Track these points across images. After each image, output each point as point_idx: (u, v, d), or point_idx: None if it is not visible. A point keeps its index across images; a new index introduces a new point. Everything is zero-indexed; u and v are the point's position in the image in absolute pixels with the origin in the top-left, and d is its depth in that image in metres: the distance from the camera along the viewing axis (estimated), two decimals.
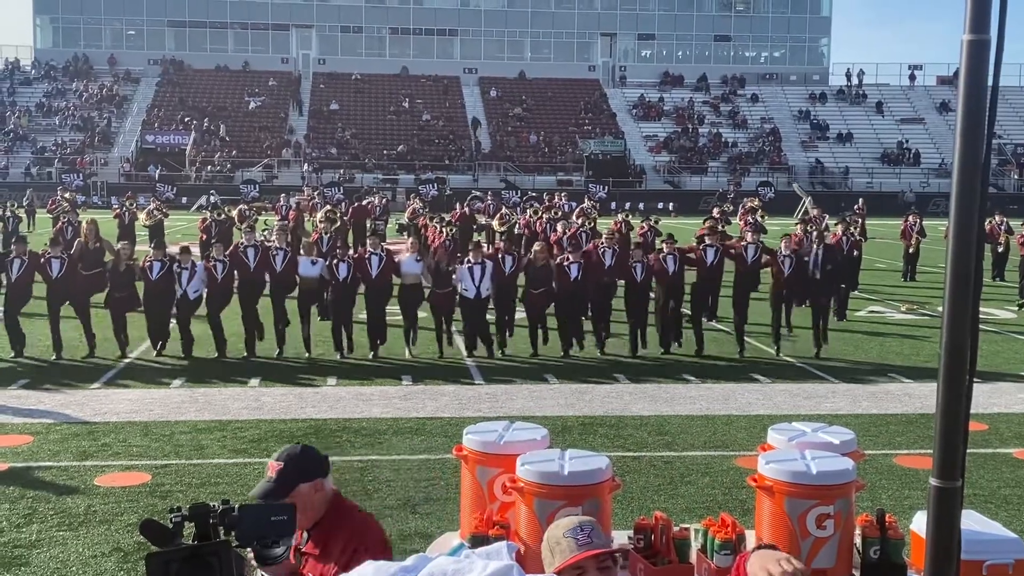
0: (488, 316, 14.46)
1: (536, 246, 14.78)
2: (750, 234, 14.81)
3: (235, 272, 14.03)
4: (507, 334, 14.53)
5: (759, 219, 22.92)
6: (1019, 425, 10.68)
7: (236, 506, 2.51)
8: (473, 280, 13.87)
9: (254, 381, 12.51)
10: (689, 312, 14.89)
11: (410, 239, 15.43)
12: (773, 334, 14.48)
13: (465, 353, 14.24)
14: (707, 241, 14.73)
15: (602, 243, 14.96)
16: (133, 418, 10.60)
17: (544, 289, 14.16)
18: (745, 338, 14.62)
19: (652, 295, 14.75)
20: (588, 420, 10.70)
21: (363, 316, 14.51)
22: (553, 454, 5.02)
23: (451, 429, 10.06)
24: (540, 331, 14.45)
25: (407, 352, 14.12)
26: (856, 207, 29.40)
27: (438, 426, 10.33)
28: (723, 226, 20.00)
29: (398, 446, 9.63)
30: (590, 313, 14.95)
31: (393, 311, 14.48)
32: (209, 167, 54.29)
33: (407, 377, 12.75)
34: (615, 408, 11.26)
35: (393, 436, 9.95)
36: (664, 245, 14.54)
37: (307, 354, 13.99)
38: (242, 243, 14.38)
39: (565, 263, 14.18)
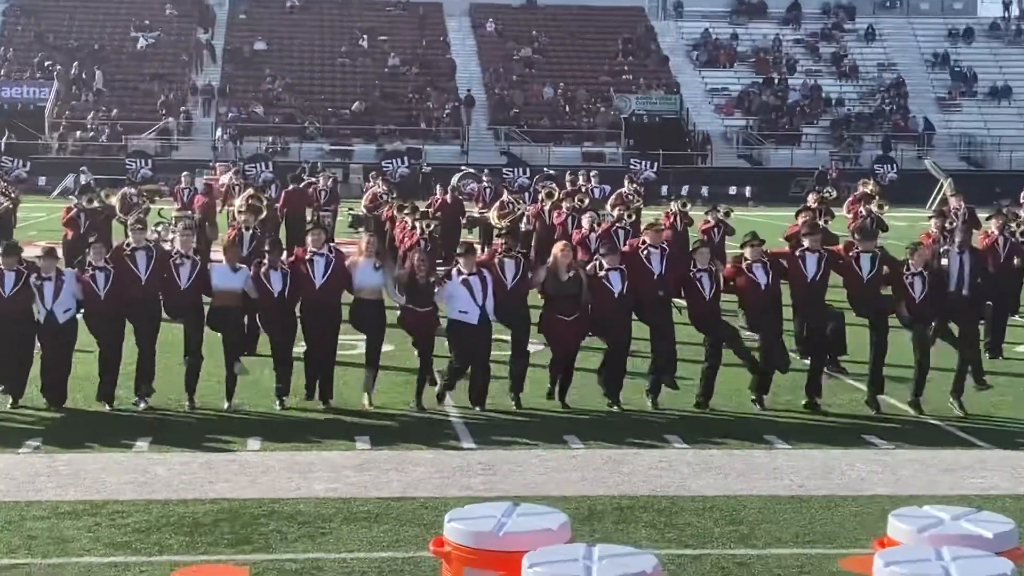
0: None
1: (557, 248, 14.44)
2: (862, 241, 14.64)
3: (121, 285, 13.94)
4: (521, 380, 14.42)
5: (876, 211, 22.76)
6: None
7: None
8: (475, 297, 13.79)
9: (142, 443, 12.42)
10: (796, 348, 14.81)
11: (366, 236, 15.34)
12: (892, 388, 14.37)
13: (450, 403, 14.19)
14: (806, 245, 14.65)
15: (645, 243, 14.71)
16: None
17: (577, 315, 13.95)
18: (858, 385, 14.62)
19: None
20: (627, 502, 10.68)
21: (302, 347, 14.44)
22: (576, 551, 5.00)
23: (428, 515, 10.09)
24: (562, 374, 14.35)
25: (365, 400, 14.14)
26: None
27: (409, 510, 10.35)
28: (825, 221, 19.86)
29: (351, 539, 9.63)
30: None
31: (348, 339, 14.53)
32: (79, 133, 54.09)
33: (363, 438, 12.71)
34: (666, 484, 11.23)
35: (343, 524, 9.96)
36: (748, 250, 14.31)
37: (225, 405, 14.01)
38: (128, 244, 14.26)
39: (601, 272, 14.11)
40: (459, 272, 13.94)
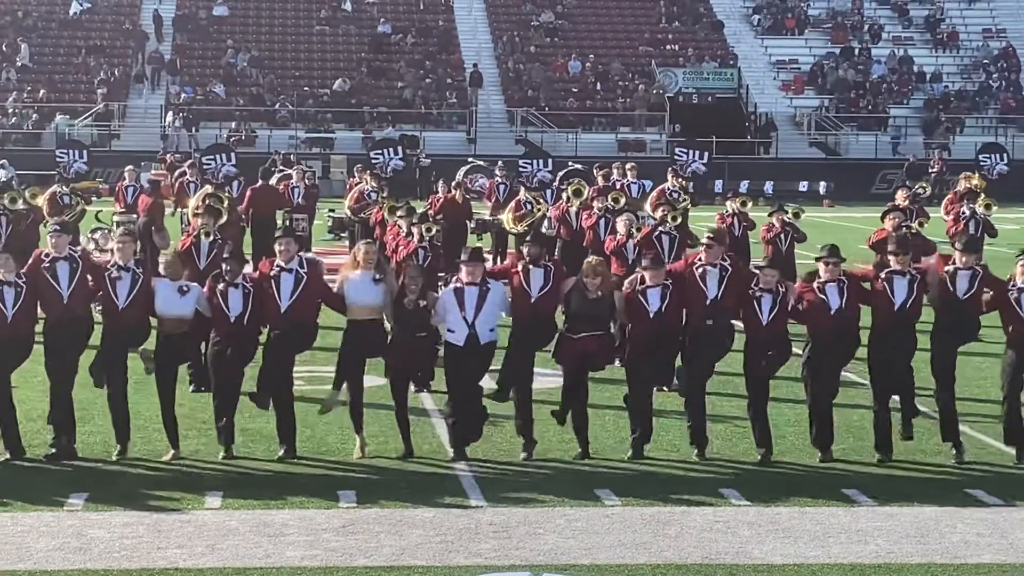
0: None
1: (588, 263, 14.39)
2: (963, 253, 14.43)
3: (38, 305, 13.79)
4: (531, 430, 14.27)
5: (982, 211, 22.57)
6: None
7: None
8: (464, 312, 13.75)
9: (76, 499, 12.34)
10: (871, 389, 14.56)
11: (363, 246, 15.10)
12: (1005, 419, 14.17)
13: (451, 451, 14.15)
14: (894, 265, 14.40)
15: (701, 260, 14.55)
16: None
17: (600, 333, 13.98)
18: (960, 427, 14.36)
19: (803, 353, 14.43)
20: (674, 572, 10.65)
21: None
22: None
23: None
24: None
25: (357, 448, 14.08)
26: None
27: None
28: (920, 223, 19.68)
29: None
30: (676, 382, 14.79)
31: (327, 371, 14.40)
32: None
33: (348, 493, 12.70)
34: (722, 550, 11.18)
35: None
36: (822, 267, 14.18)
37: (170, 452, 13.94)
38: (49, 252, 14.00)
39: (636, 288, 13.99)
40: (458, 281, 13.84)
